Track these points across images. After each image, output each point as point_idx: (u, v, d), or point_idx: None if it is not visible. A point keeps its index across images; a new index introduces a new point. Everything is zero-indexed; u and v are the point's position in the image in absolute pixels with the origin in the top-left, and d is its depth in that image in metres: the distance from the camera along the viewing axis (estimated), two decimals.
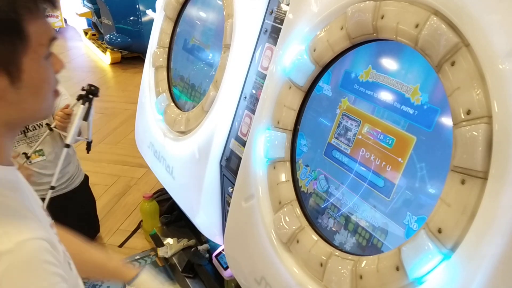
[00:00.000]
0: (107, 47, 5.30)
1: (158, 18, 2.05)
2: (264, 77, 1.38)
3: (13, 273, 0.52)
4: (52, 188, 1.94)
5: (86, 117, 1.93)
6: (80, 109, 1.89)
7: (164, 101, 1.88)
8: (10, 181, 0.67)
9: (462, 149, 0.79)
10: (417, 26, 0.88)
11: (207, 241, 2.02)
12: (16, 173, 0.72)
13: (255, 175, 1.27)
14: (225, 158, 1.55)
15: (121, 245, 2.44)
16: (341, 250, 1.05)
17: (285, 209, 1.17)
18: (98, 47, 5.68)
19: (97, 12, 5.50)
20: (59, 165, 1.96)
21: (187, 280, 1.96)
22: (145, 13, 4.89)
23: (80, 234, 2.45)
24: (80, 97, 1.91)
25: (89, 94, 1.91)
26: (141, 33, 4.92)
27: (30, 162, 2.06)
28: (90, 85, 1.92)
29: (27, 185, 0.77)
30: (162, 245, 2.17)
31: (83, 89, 1.90)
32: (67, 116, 1.94)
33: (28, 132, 2.06)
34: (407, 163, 0.97)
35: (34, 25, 0.61)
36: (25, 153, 1.98)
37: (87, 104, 1.90)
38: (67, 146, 1.95)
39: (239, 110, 1.52)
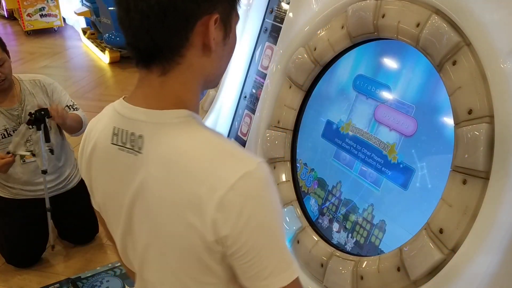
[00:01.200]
0: (106, 46, 5.28)
1: None
2: (264, 76, 1.37)
3: (260, 187, 0.62)
4: (44, 172, 1.96)
5: (47, 139, 1.95)
6: (40, 136, 1.92)
7: None
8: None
9: (463, 149, 0.78)
10: (418, 25, 0.88)
11: None
12: None
13: None
14: None
15: None
16: (341, 250, 1.05)
17: (285, 209, 1.17)
18: (97, 46, 5.66)
19: (96, 11, 5.48)
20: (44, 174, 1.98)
21: None
22: None
23: (79, 233, 2.41)
24: (31, 123, 1.92)
25: (39, 118, 1.91)
26: None
27: (24, 161, 2.06)
28: (37, 111, 1.91)
29: None
30: None
31: (30, 115, 1.90)
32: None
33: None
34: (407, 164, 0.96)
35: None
36: (8, 152, 1.97)
37: (42, 127, 1.92)
38: (44, 172, 1.97)
39: (239, 110, 1.51)
